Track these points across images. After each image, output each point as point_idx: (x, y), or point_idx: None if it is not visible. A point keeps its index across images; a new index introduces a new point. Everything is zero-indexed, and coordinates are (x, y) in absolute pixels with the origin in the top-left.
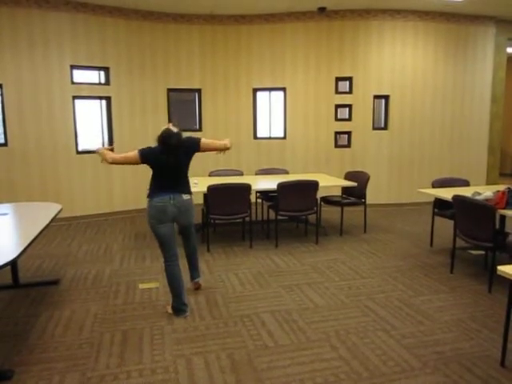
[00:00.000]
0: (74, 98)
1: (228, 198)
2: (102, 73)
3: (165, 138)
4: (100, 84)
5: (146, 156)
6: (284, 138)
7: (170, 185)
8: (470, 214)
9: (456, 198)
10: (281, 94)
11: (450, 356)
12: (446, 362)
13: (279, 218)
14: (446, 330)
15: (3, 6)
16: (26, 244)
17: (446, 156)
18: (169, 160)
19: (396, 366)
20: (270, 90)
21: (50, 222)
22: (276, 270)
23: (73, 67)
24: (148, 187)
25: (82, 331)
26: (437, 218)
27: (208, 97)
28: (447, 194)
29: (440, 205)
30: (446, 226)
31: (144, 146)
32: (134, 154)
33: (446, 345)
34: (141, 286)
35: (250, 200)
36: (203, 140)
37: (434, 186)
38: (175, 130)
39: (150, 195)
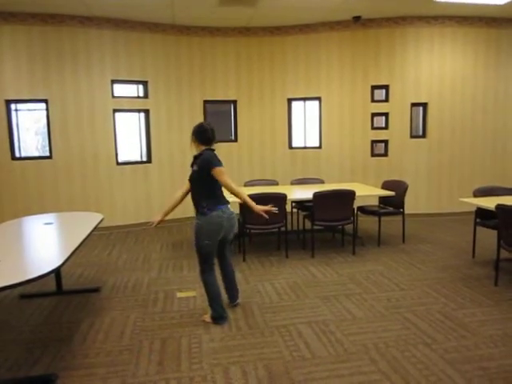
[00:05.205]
0: (115, 111)
1: None
2: (141, 86)
3: (211, 131)
4: (139, 97)
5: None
6: (319, 147)
7: (222, 195)
8: None
9: (500, 207)
10: (316, 103)
11: (495, 372)
12: (491, 379)
13: (315, 227)
14: (491, 345)
15: (49, 25)
16: (69, 253)
17: (488, 164)
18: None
19: (438, 382)
20: (305, 99)
21: (92, 231)
22: (313, 281)
23: (113, 82)
24: (203, 203)
25: (122, 338)
26: (479, 229)
27: (243, 107)
28: (490, 203)
29: (482, 214)
30: (488, 237)
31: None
32: (223, 170)
33: (492, 361)
34: (179, 294)
35: (285, 210)
36: None
37: (475, 195)
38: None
39: (209, 210)
